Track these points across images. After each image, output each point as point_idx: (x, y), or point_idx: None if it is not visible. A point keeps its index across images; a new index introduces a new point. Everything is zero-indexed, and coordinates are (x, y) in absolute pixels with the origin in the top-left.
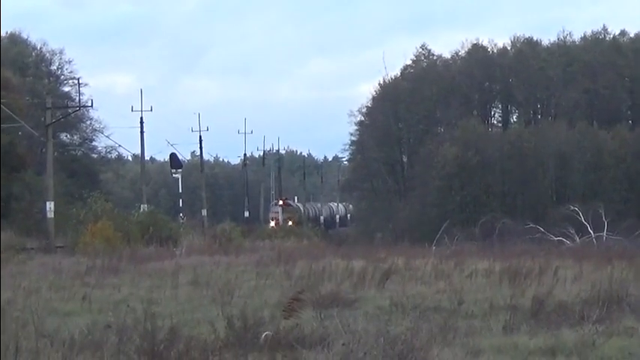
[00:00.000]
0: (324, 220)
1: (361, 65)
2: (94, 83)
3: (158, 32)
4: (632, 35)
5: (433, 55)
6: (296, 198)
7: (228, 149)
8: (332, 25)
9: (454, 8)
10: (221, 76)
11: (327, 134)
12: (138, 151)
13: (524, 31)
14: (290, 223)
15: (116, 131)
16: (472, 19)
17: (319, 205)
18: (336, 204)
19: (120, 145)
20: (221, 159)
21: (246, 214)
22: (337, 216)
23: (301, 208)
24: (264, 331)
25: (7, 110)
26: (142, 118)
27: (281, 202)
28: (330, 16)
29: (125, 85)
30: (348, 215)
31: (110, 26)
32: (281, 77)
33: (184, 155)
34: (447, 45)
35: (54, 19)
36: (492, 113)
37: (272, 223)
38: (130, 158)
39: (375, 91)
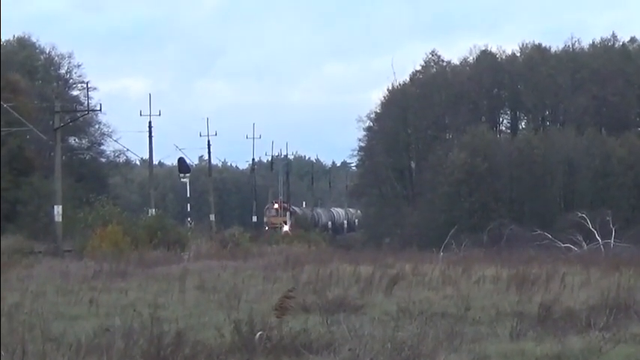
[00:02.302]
0: (332, 225)
1: (375, 71)
2: (108, 87)
3: (173, 36)
4: None
5: (442, 61)
6: (304, 203)
7: (237, 154)
8: (348, 31)
9: (470, 15)
10: (234, 80)
11: (337, 140)
12: (146, 156)
13: (539, 39)
14: (287, 228)
15: (125, 135)
16: (486, 26)
17: (319, 210)
18: (341, 209)
19: (128, 150)
20: (229, 164)
21: (254, 218)
22: (345, 221)
23: (297, 212)
24: (270, 336)
25: (15, 114)
26: (150, 123)
27: (276, 206)
28: (346, 22)
29: (139, 89)
30: (356, 220)
31: (126, 30)
32: (294, 82)
33: (192, 160)
34: (462, 52)
35: (70, 23)
36: (501, 120)
37: (267, 228)
38: (138, 162)
39: (384, 96)
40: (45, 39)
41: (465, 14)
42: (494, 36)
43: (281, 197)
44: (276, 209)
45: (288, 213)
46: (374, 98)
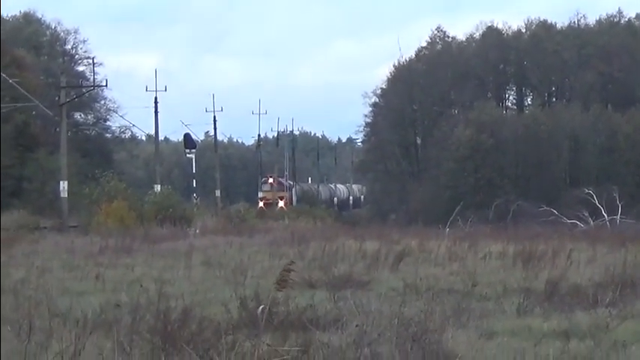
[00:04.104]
0: (337, 201)
1: (382, 48)
2: (116, 63)
3: (183, 14)
4: None
5: (448, 37)
6: (309, 179)
7: (243, 130)
8: (355, 8)
9: None
10: (242, 57)
11: (343, 116)
12: (152, 131)
13: (544, 15)
14: (281, 204)
15: (132, 111)
16: (496, 2)
17: (319, 186)
18: (343, 186)
19: (134, 125)
20: (235, 139)
21: (260, 194)
22: (349, 197)
23: (295, 187)
24: (276, 312)
25: (21, 89)
26: (156, 98)
27: (271, 180)
28: None
29: (147, 65)
30: (361, 197)
31: (136, 7)
32: (301, 59)
33: (198, 136)
34: (468, 28)
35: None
36: (507, 96)
37: (260, 204)
38: (143, 138)
39: (390, 72)
40: (54, 15)
41: None
42: (500, 12)
43: (286, 173)
44: (271, 184)
45: (292, 189)
46: (380, 75)
